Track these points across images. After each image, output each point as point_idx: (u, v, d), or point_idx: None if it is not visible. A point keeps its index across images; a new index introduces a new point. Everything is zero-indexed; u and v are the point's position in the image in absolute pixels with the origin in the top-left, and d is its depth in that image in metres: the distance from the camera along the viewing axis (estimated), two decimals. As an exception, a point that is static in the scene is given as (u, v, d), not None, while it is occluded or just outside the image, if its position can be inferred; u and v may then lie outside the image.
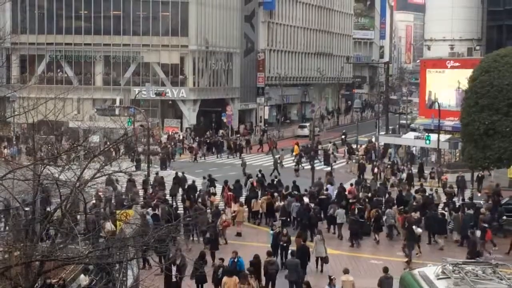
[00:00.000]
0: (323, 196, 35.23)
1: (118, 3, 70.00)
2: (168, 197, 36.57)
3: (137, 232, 16.81)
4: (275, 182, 39.40)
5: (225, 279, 21.43)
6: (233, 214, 32.76)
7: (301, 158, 54.52)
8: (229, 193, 35.98)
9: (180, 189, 38.83)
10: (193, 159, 56.96)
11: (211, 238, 27.44)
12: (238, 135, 69.36)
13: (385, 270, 22.47)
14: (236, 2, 78.29)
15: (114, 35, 70.15)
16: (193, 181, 38.86)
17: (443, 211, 32.60)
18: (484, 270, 13.72)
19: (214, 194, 37.18)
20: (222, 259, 22.92)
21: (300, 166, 51.24)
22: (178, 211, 32.01)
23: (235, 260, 22.91)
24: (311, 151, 54.54)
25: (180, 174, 41.07)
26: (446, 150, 50.88)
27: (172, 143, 60.39)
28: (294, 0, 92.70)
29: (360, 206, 32.93)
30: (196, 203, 33.32)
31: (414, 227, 28.84)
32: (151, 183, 39.05)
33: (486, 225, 29.61)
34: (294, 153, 55.76)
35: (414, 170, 47.78)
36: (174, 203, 36.22)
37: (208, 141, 63.10)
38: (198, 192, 36.44)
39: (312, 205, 33.12)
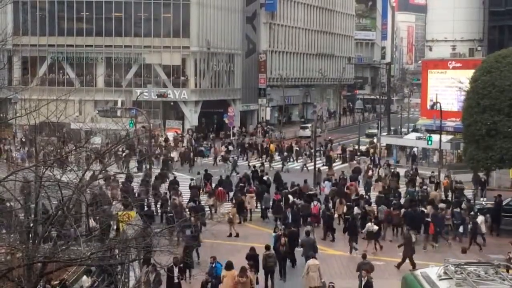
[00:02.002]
0: (311, 192, 36.38)
1: (119, 5, 70.07)
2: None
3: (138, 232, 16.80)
4: (264, 178, 40.55)
5: (224, 272, 21.91)
6: (230, 216, 32.57)
7: (272, 158, 54.67)
8: (220, 188, 37.17)
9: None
10: (215, 161, 54.76)
11: (192, 235, 27.37)
12: (254, 137, 69.12)
13: (364, 256, 24.43)
14: (237, 3, 78.33)
15: (115, 36, 70.22)
16: (175, 177, 40.89)
17: (423, 209, 33.19)
18: (486, 270, 13.71)
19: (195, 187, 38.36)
20: (209, 273, 22.58)
21: (264, 166, 49.17)
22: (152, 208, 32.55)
23: (213, 265, 22.77)
24: (284, 151, 55.03)
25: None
26: (448, 151, 50.82)
27: (195, 144, 59.30)
28: (296, 1, 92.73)
29: (349, 204, 33.51)
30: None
31: (369, 224, 29.51)
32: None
33: (429, 219, 30.69)
34: (270, 152, 56.11)
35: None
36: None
37: (229, 143, 61.93)
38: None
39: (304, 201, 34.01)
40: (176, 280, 22.26)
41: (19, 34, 61.79)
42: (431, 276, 14.26)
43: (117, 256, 16.83)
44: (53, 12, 71.07)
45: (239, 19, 78.88)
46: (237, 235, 31.88)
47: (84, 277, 19.94)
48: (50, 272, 14.93)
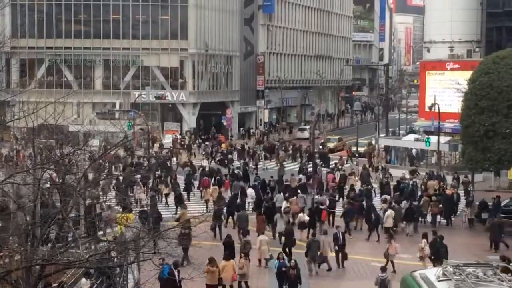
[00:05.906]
0: (287, 183, 39.24)
1: (117, 7, 70.03)
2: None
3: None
4: (235, 172, 43.64)
5: (223, 263, 23.41)
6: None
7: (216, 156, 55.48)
8: (205, 178, 40.28)
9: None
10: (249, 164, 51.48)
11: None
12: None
13: (313, 235, 27.41)
14: (235, 5, 78.33)
15: (113, 38, 70.19)
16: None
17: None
18: (485, 272, 13.69)
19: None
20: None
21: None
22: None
23: (162, 266, 21.58)
24: (231, 152, 56.17)
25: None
26: (446, 152, 50.86)
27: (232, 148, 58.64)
28: (293, 3, 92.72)
29: (332, 198, 35.47)
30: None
31: (301, 214, 31.88)
32: None
33: (322, 207, 33.24)
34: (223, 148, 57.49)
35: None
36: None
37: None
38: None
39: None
40: (178, 284, 22.14)
41: (17, 37, 61.75)
42: (429, 278, 14.24)
43: (115, 259, 16.79)
44: (51, 15, 71.02)
45: (237, 21, 78.85)
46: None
47: (83, 279, 19.89)
48: (48, 275, 14.90)
